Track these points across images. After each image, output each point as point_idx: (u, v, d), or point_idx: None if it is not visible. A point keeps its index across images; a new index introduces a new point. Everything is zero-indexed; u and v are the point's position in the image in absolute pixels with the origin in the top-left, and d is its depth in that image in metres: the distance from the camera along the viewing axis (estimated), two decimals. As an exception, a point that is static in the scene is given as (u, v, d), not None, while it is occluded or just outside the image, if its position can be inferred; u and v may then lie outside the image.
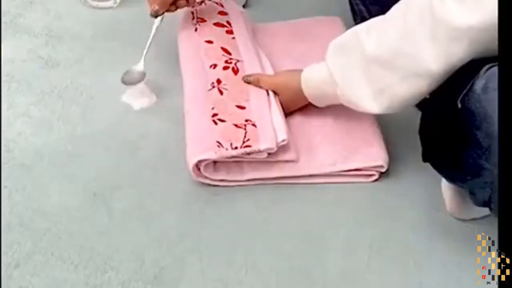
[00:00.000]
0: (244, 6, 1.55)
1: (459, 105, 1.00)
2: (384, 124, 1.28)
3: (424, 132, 1.11)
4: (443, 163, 1.10)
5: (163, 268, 1.08)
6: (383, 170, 1.22)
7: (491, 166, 0.98)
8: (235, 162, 1.19)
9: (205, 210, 1.17)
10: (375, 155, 1.22)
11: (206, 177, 1.19)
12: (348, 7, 1.47)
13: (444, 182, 1.18)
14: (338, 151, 1.23)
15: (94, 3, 1.54)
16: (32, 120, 1.28)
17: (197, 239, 1.12)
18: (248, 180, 1.20)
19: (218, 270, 1.08)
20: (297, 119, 1.28)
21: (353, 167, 1.22)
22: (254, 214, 1.16)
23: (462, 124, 1.00)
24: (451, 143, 1.04)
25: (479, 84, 0.97)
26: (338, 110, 1.24)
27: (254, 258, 1.10)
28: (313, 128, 1.27)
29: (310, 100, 1.24)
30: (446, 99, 1.04)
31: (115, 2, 1.55)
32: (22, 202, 1.15)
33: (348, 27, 1.45)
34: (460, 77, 1.02)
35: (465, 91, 0.99)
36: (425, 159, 1.11)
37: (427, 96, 1.10)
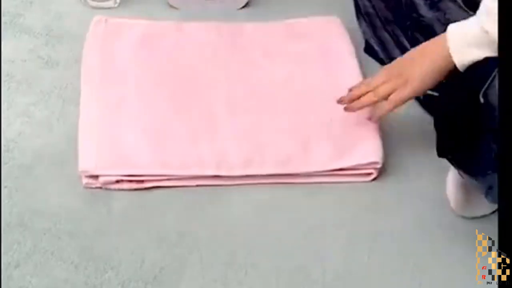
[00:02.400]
0: (244, 6, 1.55)
1: (482, 100, 0.99)
2: (384, 124, 1.28)
3: (441, 126, 1.08)
4: (462, 158, 1.08)
5: (163, 268, 1.08)
6: (378, 166, 1.22)
7: None
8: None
9: (205, 210, 1.17)
10: (370, 152, 1.22)
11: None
12: (349, 6, 1.46)
13: (449, 179, 1.17)
14: (334, 149, 1.23)
15: (94, 3, 1.54)
16: (32, 120, 1.28)
17: (197, 239, 1.12)
18: (241, 176, 1.19)
19: (218, 270, 1.08)
20: (292, 117, 1.28)
21: (349, 165, 1.21)
22: (253, 214, 1.16)
23: (484, 118, 0.99)
24: (472, 137, 1.02)
25: None
26: (334, 108, 1.23)
27: (254, 258, 1.10)
28: (309, 125, 1.27)
29: (453, 57, 1.08)
30: (467, 93, 1.02)
31: (115, 2, 1.54)
32: (22, 202, 1.15)
33: (347, 27, 1.47)
34: (481, 71, 1.01)
35: (486, 85, 0.98)
36: (441, 154, 1.09)
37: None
